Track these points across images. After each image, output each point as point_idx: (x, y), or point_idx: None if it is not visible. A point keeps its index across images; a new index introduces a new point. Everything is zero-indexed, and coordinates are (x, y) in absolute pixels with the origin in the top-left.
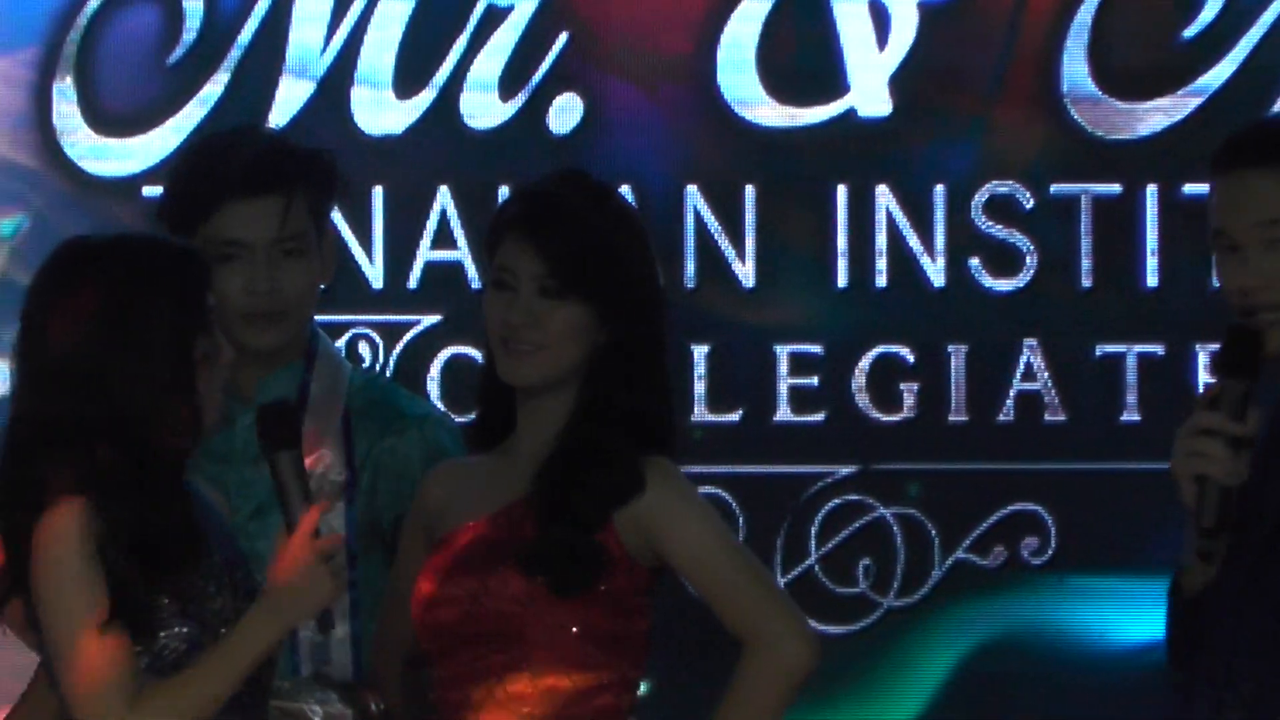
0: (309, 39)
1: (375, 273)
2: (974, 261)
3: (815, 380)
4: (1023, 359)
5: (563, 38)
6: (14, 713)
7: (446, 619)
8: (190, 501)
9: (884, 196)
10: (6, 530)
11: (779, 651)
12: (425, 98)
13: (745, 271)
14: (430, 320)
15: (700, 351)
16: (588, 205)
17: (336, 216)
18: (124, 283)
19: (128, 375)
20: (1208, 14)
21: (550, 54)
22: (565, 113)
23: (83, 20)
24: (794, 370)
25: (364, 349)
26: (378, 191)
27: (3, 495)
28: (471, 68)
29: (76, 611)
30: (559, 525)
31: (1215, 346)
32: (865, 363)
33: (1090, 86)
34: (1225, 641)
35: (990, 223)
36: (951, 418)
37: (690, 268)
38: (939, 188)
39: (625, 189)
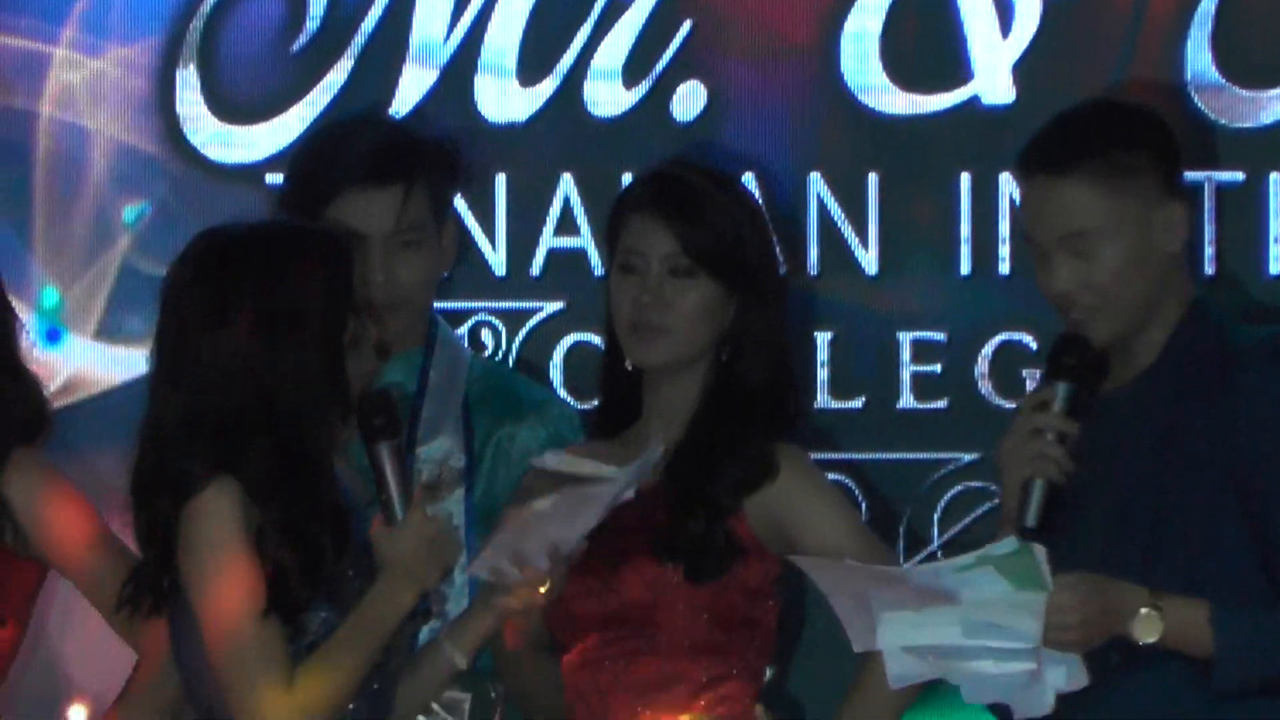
0: (432, 27)
1: (498, 260)
2: None
3: (938, 367)
4: None
5: (686, 25)
6: (124, 699)
7: (576, 605)
8: (340, 492)
9: (1007, 184)
10: (149, 522)
11: None
12: (549, 85)
13: (868, 259)
14: (553, 307)
15: (823, 338)
16: (713, 187)
17: (459, 204)
18: (272, 274)
19: (281, 368)
20: None
21: (674, 42)
22: (689, 100)
23: (206, 8)
24: (917, 357)
25: (486, 336)
26: (500, 179)
27: (144, 486)
28: (595, 55)
29: (235, 596)
30: (693, 512)
31: None
32: (988, 349)
33: (1214, 74)
34: None
35: None
36: None
37: (813, 255)
38: None
39: (748, 176)
